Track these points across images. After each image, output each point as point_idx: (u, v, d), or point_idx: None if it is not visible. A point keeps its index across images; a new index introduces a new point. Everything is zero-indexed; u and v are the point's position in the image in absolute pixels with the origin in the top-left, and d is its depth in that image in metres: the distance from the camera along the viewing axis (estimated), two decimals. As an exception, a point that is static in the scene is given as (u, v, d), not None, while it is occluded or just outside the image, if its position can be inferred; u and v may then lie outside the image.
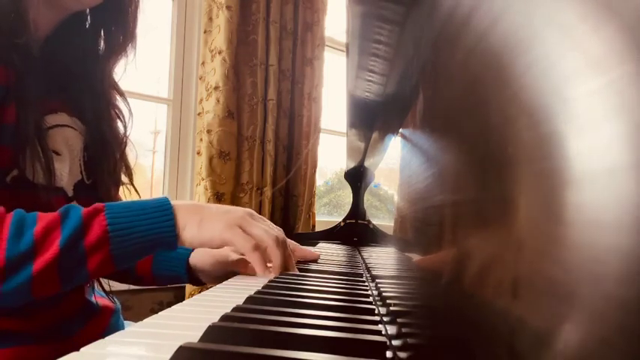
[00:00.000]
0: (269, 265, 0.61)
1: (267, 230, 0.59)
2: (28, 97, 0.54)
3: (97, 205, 0.52)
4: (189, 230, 0.54)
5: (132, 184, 0.75)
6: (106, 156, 0.69)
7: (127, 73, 0.74)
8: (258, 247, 0.57)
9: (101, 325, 0.67)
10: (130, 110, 0.74)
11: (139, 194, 0.76)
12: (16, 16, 0.53)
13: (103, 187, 0.68)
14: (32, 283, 0.46)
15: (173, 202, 0.55)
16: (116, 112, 0.73)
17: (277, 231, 0.62)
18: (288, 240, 0.69)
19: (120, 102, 0.73)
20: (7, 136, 0.52)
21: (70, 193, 0.62)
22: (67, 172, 0.61)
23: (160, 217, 0.53)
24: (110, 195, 0.70)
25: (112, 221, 0.50)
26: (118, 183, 0.73)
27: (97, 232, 0.49)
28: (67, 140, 0.62)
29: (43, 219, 0.48)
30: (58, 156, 0.60)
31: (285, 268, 0.63)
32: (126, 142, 0.73)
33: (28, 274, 0.46)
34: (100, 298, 0.70)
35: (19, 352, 0.54)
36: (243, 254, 0.63)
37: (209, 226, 0.55)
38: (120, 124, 0.73)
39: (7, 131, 0.52)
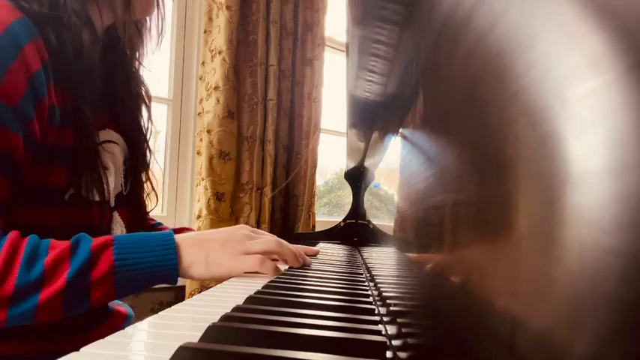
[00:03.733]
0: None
1: (266, 242, 0.64)
2: (86, 122, 0.58)
3: (107, 237, 0.54)
4: (197, 268, 0.58)
5: (154, 190, 0.79)
6: (142, 167, 0.74)
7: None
8: (265, 261, 0.61)
9: (112, 329, 0.69)
10: (149, 99, 0.78)
11: (157, 195, 0.81)
12: (87, 39, 0.58)
13: (139, 196, 0.74)
14: (36, 311, 0.48)
15: (177, 238, 0.58)
16: (147, 105, 0.77)
17: (273, 237, 0.67)
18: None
19: (144, 95, 0.77)
20: (65, 158, 0.56)
21: (112, 204, 0.66)
22: (113, 185, 0.65)
23: (164, 254, 0.55)
24: (142, 202, 0.75)
25: (119, 257, 0.53)
26: (146, 191, 0.77)
27: (104, 267, 0.51)
28: (112, 156, 0.66)
29: (54, 249, 0.50)
30: (106, 170, 0.64)
31: (300, 261, 0.69)
32: (150, 150, 0.78)
33: (34, 302, 0.48)
34: (114, 304, 0.74)
35: (31, 346, 0.57)
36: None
37: (216, 263, 0.58)
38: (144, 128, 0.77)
39: (65, 154, 0.56)
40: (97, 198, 0.60)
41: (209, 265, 0.58)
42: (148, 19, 0.73)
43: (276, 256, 0.69)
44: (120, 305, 0.75)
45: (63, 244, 0.51)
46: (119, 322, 0.71)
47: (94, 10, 0.61)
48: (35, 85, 0.51)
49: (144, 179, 0.76)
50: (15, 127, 0.49)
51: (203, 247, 0.59)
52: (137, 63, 0.74)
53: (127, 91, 0.72)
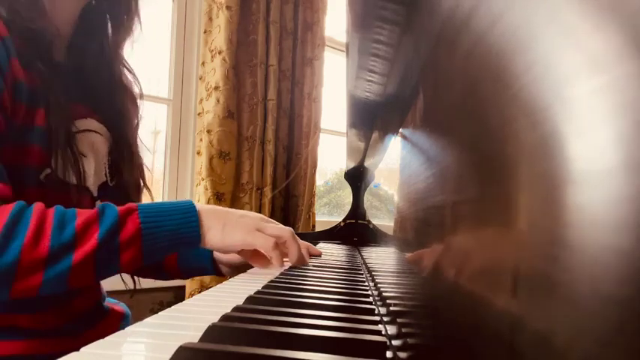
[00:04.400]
0: (285, 260, 0.69)
1: (281, 228, 0.66)
2: (57, 102, 0.58)
3: (131, 204, 0.56)
4: (213, 234, 0.59)
5: (145, 184, 0.78)
6: (128, 159, 0.74)
7: (133, 51, 0.76)
8: (277, 245, 0.63)
9: (110, 328, 0.70)
10: (140, 89, 0.78)
11: (151, 196, 0.81)
12: (40, 23, 0.57)
13: (125, 189, 0.73)
14: (70, 272, 0.49)
15: (197, 205, 0.60)
16: (133, 96, 0.77)
17: (288, 228, 0.69)
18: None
19: (133, 84, 0.77)
20: (39, 137, 0.56)
21: (95, 193, 0.67)
22: (92, 173, 0.65)
23: (186, 218, 0.57)
24: (131, 196, 0.74)
25: (144, 219, 0.54)
26: (139, 184, 0.77)
27: (131, 228, 0.53)
28: (93, 144, 0.66)
29: (82, 214, 0.52)
30: (84, 157, 0.64)
31: (300, 260, 0.70)
32: (137, 135, 0.77)
33: (69, 263, 0.49)
34: (110, 304, 0.74)
35: (28, 346, 0.57)
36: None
37: (231, 232, 0.60)
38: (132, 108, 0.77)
39: (38, 132, 0.56)
40: (74, 180, 0.60)
41: (224, 235, 0.60)
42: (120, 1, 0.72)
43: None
44: (116, 304, 0.75)
45: (89, 211, 0.53)
46: (116, 321, 0.72)
47: None
48: None
49: (134, 172, 0.75)
50: None
51: (221, 216, 0.61)
52: (118, 51, 0.74)
53: (107, 81, 0.72)
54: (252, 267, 0.74)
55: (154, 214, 0.55)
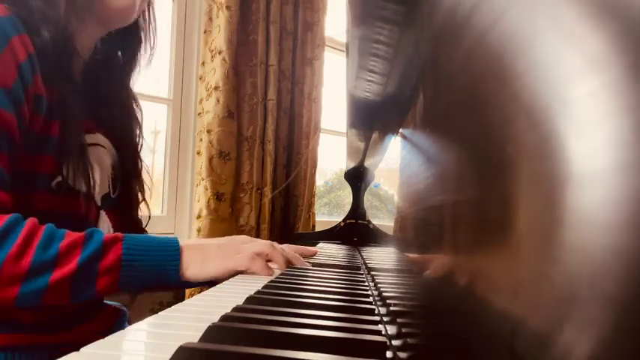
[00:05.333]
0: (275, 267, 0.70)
1: (259, 244, 0.69)
2: (72, 117, 0.62)
3: (118, 234, 0.58)
4: (192, 269, 0.62)
5: (144, 199, 0.82)
6: (132, 174, 0.78)
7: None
8: (257, 257, 0.65)
9: (106, 324, 0.72)
10: (141, 117, 0.83)
11: (148, 208, 0.84)
12: (64, 45, 0.61)
13: (125, 200, 0.77)
14: (46, 290, 0.51)
15: (181, 243, 0.62)
16: (137, 121, 0.82)
17: (268, 241, 0.72)
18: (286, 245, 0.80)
19: (137, 111, 0.82)
20: (53, 147, 0.60)
21: (99, 203, 0.70)
22: (98, 183, 0.69)
23: (168, 257, 0.60)
24: (132, 208, 0.79)
25: (126, 251, 0.57)
26: (138, 198, 0.81)
27: (112, 258, 0.56)
28: (99, 158, 0.70)
29: (70, 236, 0.54)
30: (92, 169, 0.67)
31: (291, 262, 0.73)
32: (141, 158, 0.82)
33: (46, 282, 0.51)
34: (108, 303, 0.76)
35: (22, 338, 0.59)
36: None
37: (210, 264, 0.63)
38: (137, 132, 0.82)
39: (53, 143, 0.60)
40: (83, 189, 0.63)
41: (203, 268, 0.62)
42: (142, 34, 0.78)
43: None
44: (113, 304, 0.76)
45: (78, 234, 0.55)
46: (113, 317, 0.73)
47: (71, 23, 0.64)
48: (23, 72, 0.55)
49: (135, 187, 0.79)
50: (10, 108, 0.53)
51: (201, 251, 0.63)
52: (128, 78, 0.80)
53: (115, 103, 0.77)
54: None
55: (137, 247, 0.58)
